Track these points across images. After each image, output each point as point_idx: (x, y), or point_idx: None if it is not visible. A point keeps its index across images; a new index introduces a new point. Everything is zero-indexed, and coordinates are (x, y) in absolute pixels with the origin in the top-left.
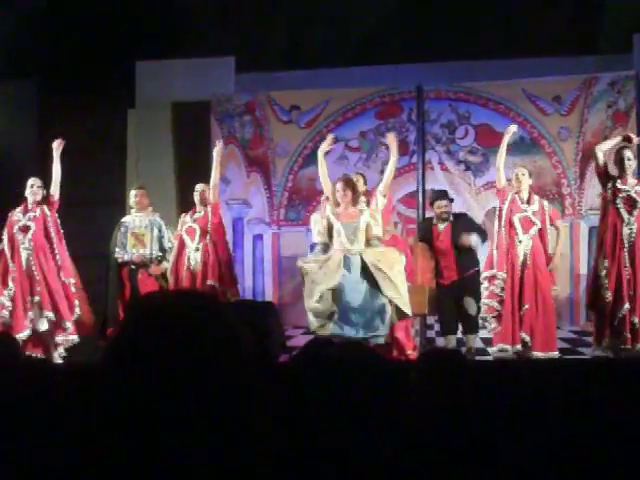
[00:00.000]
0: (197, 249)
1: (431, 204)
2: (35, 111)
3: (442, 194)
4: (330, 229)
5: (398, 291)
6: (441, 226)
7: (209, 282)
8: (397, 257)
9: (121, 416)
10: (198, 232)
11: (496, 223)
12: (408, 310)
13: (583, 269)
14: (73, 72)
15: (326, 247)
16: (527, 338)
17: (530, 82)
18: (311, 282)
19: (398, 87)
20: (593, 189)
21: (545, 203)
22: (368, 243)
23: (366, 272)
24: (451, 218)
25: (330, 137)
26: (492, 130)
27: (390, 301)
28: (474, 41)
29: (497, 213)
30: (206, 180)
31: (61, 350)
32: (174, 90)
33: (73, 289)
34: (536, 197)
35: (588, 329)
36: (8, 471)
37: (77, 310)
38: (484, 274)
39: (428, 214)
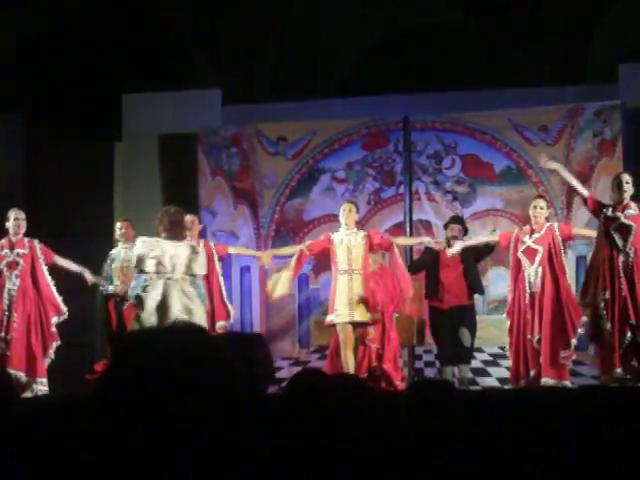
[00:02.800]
0: None
1: (445, 227)
2: (22, 144)
3: (458, 219)
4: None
5: None
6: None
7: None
8: None
9: (115, 452)
10: None
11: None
12: None
13: None
14: (60, 105)
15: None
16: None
17: (516, 112)
18: None
19: (384, 118)
20: (580, 218)
21: (555, 225)
22: None
23: None
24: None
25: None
26: (479, 160)
27: None
28: (460, 72)
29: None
30: (193, 212)
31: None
32: (161, 123)
33: (53, 329)
34: (546, 224)
35: (576, 358)
36: None
37: (51, 354)
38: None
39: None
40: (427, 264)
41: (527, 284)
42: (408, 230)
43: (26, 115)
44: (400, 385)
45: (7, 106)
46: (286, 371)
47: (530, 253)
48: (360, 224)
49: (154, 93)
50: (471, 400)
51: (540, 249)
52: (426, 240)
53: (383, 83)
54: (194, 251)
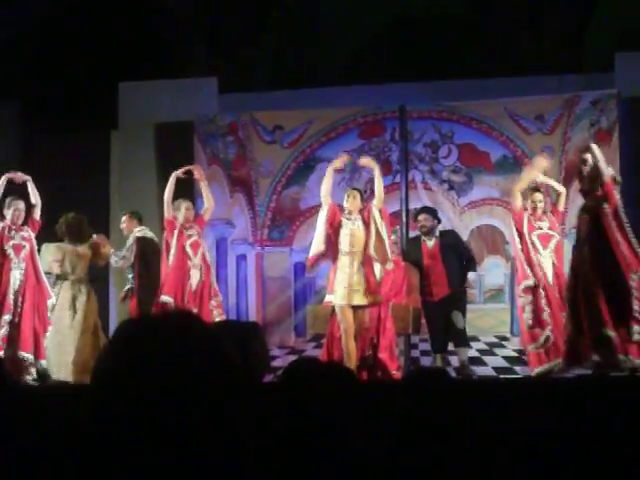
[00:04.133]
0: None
1: (414, 220)
2: (18, 132)
3: (423, 209)
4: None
5: None
6: (430, 242)
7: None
8: None
9: (110, 435)
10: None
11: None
12: None
13: None
14: (56, 93)
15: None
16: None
17: (513, 101)
18: None
19: (381, 107)
20: (576, 208)
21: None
22: None
23: None
24: (437, 234)
25: (345, 156)
26: (475, 149)
27: None
28: (457, 61)
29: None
30: (189, 200)
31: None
32: (157, 111)
33: (49, 313)
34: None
35: None
36: None
37: (47, 337)
38: (520, 286)
39: (412, 234)
40: (410, 257)
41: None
42: (404, 219)
43: (22, 103)
44: (396, 374)
45: (3, 94)
46: (282, 360)
47: (545, 238)
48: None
49: (150, 81)
50: (467, 389)
51: (556, 235)
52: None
53: (379, 72)
54: (96, 251)
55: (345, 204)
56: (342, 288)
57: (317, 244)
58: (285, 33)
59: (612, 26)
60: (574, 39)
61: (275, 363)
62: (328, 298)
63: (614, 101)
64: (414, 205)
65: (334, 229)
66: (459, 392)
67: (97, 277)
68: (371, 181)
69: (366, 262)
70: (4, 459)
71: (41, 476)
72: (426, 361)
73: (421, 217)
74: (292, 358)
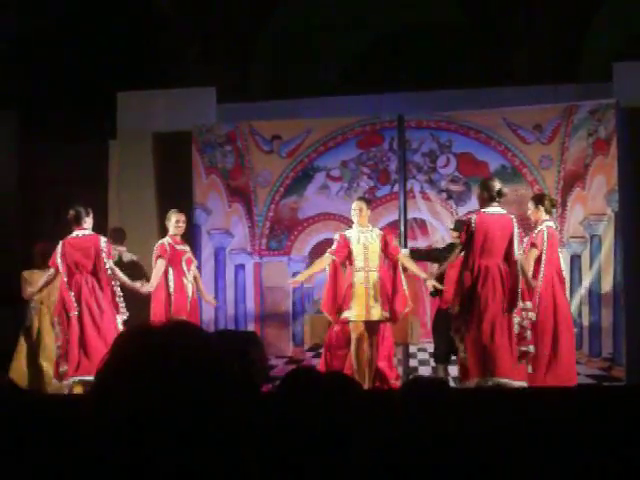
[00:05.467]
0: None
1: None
2: (16, 142)
3: (458, 224)
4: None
5: None
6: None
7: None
8: None
9: (110, 446)
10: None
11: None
12: None
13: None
14: (54, 103)
15: None
16: None
17: (511, 111)
18: None
19: (379, 116)
20: (575, 217)
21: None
22: None
23: None
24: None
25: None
26: (473, 159)
27: None
28: (455, 71)
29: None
30: (187, 210)
31: None
32: (155, 121)
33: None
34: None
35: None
36: None
37: None
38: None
39: (410, 244)
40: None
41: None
42: (402, 229)
43: (20, 113)
44: (394, 383)
45: (1, 104)
46: (280, 369)
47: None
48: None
49: (149, 91)
50: (465, 398)
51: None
52: (421, 274)
53: (378, 81)
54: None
55: (353, 217)
56: (359, 305)
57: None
58: (283, 43)
59: (610, 36)
60: (572, 49)
61: (274, 372)
62: (345, 315)
63: (612, 111)
64: (412, 215)
65: (348, 252)
66: (458, 402)
67: None
68: (369, 191)
69: (381, 276)
70: (6, 466)
71: None
72: (424, 371)
73: (454, 234)
74: (290, 367)
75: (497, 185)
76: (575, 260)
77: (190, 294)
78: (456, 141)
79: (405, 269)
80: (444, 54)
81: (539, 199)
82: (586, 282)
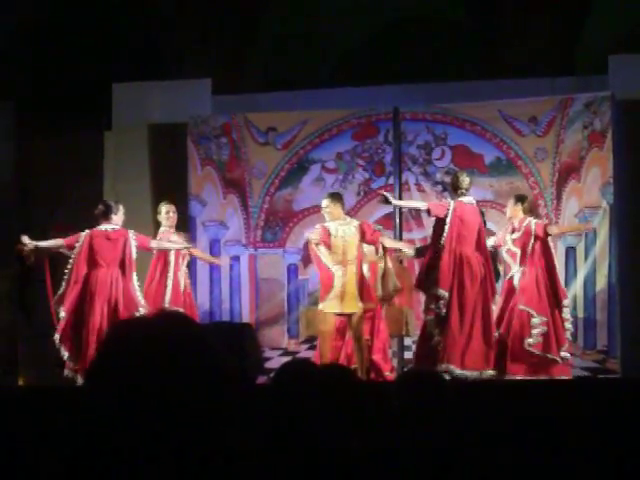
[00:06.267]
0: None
1: None
2: (11, 134)
3: None
4: None
5: None
6: None
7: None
8: None
9: (102, 435)
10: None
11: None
12: None
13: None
14: (50, 94)
15: None
16: None
17: (506, 103)
18: None
19: (374, 108)
20: (570, 209)
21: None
22: None
23: None
24: None
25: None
26: (469, 151)
27: None
28: (450, 63)
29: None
30: (182, 202)
31: None
32: (151, 112)
33: None
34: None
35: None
36: None
37: None
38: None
39: (405, 236)
40: None
41: None
42: (397, 221)
43: (16, 104)
44: (389, 376)
45: None
46: (275, 361)
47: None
48: (350, 215)
49: (144, 82)
50: (460, 390)
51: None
52: (405, 248)
53: (373, 73)
54: None
55: (327, 217)
56: (333, 296)
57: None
58: (279, 34)
59: (605, 28)
60: (568, 41)
61: (269, 364)
62: (320, 306)
63: (608, 103)
64: None
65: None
66: (452, 394)
67: None
68: (364, 183)
69: (359, 269)
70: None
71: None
72: None
73: None
74: (285, 360)
75: (467, 179)
76: (570, 253)
77: (183, 287)
78: (451, 133)
79: (401, 260)
80: (440, 46)
81: (521, 198)
82: (581, 275)
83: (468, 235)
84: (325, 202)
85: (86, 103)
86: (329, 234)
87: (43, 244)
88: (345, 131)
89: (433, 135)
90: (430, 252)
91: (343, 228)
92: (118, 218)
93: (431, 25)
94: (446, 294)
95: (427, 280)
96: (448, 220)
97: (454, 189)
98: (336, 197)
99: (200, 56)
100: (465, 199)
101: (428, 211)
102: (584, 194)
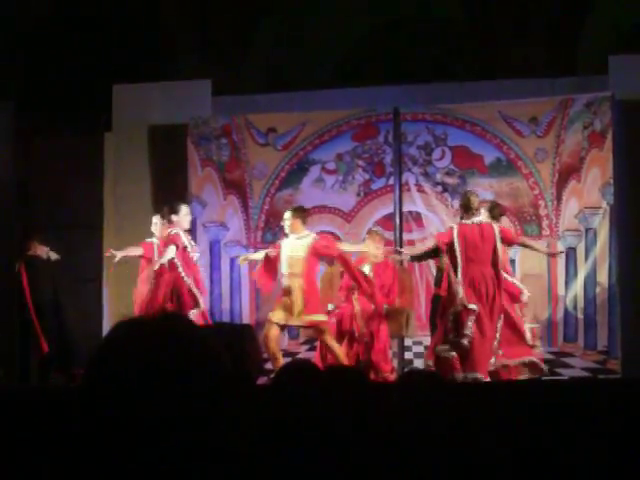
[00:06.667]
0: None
1: None
2: (11, 134)
3: None
4: None
5: None
6: None
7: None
8: None
9: (102, 437)
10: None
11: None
12: None
13: (561, 290)
14: (50, 95)
15: None
16: None
17: (506, 104)
18: None
19: (374, 109)
20: (570, 210)
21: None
22: None
23: None
24: None
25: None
26: (469, 152)
27: None
28: (451, 63)
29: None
30: (183, 202)
31: None
32: (151, 113)
33: None
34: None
35: (566, 350)
36: None
37: None
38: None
39: (406, 236)
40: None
41: None
42: (398, 221)
43: (16, 105)
44: (390, 376)
45: None
46: None
47: None
48: (350, 215)
49: (144, 84)
50: (460, 391)
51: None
52: (367, 249)
53: (373, 74)
54: None
55: (286, 230)
56: (279, 307)
57: None
58: (278, 35)
59: (606, 28)
60: (568, 42)
61: (268, 365)
62: (269, 315)
63: (608, 103)
64: (407, 207)
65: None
66: (452, 394)
67: (93, 278)
68: (364, 184)
69: (306, 283)
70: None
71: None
72: (419, 363)
73: None
74: (285, 360)
75: (477, 200)
76: (570, 253)
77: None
78: (451, 134)
79: (401, 262)
80: (440, 46)
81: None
82: (581, 275)
83: (478, 254)
84: (287, 215)
85: (86, 103)
86: (279, 250)
87: (124, 253)
88: (345, 132)
89: (433, 136)
90: (446, 278)
91: (295, 243)
92: (179, 221)
93: (431, 25)
94: (475, 307)
95: (449, 301)
96: (456, 245)
97: (465, 210)
98: (298, 211)
99: (200, 57)
100: (475, 219)
101: (438, 244)
102: (584, 194)
